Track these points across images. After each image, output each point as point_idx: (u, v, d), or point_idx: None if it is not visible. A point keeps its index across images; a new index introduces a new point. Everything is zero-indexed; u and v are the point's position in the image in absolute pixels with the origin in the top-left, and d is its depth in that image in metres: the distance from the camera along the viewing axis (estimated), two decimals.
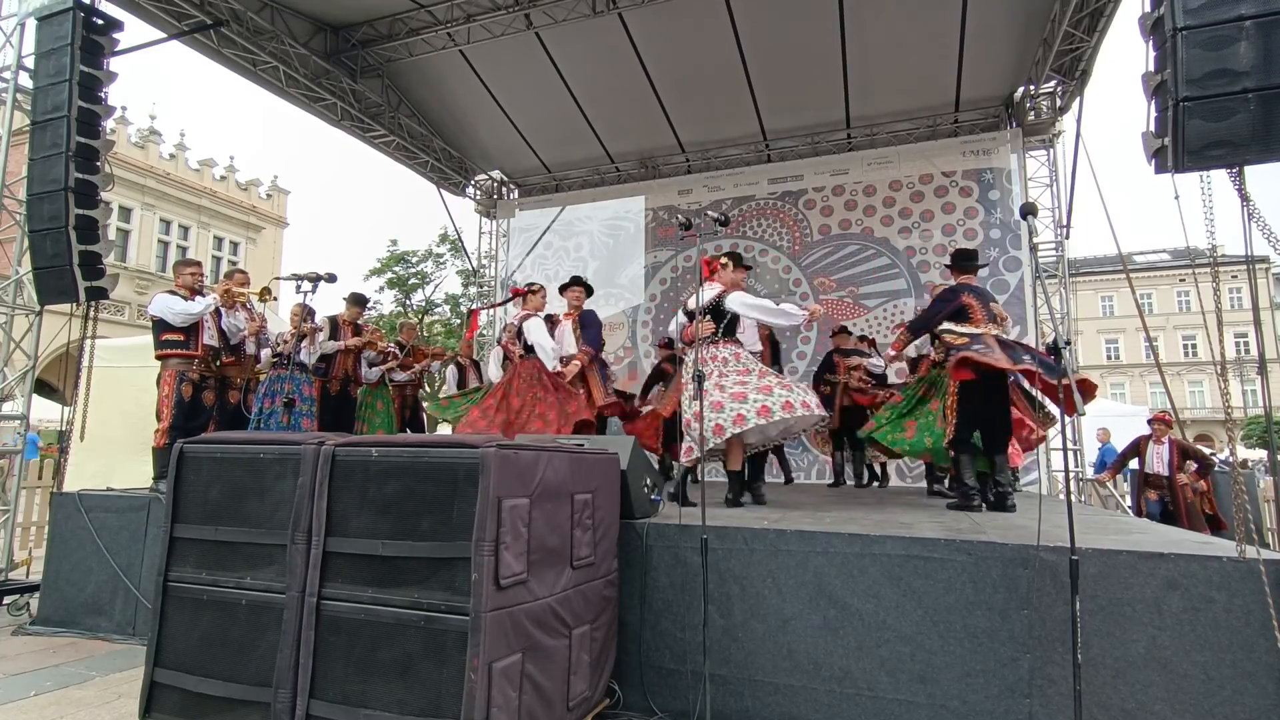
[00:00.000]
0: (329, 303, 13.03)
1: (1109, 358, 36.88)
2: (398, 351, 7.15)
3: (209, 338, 5.08)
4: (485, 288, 11.18)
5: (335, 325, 6.47)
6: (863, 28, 7.43)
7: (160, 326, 4.91)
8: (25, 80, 5.36)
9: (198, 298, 4.99)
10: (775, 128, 9.30)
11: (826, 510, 4.29)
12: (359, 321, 6.71)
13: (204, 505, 2.68)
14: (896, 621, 2.82)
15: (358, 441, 2.53)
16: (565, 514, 2.63)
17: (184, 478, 2.74)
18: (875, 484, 7.19)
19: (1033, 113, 8.22)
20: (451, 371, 7.87)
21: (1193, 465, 7.01)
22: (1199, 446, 7.72)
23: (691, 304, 4.43)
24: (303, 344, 5.70)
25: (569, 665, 2.60)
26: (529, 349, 5.09)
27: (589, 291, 5.71)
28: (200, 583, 2.62)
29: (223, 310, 5.25)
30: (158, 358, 4.96)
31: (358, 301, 6.78)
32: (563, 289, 5.69)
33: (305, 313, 4.73)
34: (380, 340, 6.82)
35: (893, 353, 5.05)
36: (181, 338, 4.89)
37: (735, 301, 4.32)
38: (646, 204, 10.19)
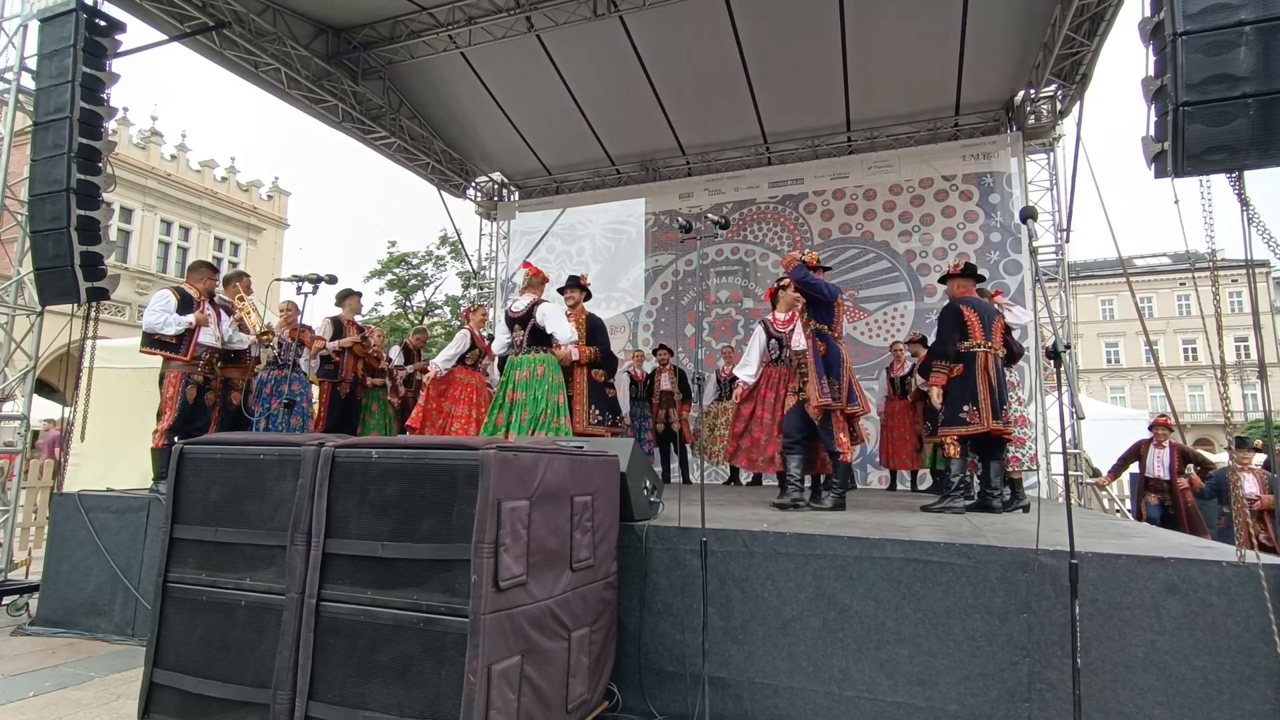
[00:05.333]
0: (328, 304, 13.00)
1: (1109, 361, 36.86)
2: (399, 366, 7.10)
3: (207, 338, 5.03)
4: (486, 289, 11.18)
5: (339, 326, 6.47)
6: (863, 31, 7.44)
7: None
8: (28, 81, 5.37)
9: (192, 315, 4.82)
10: (775, 130, 9.31)
11: (826, 513, 4.29)
12: (357, 319, 6.69)
13: (204, 506, 2.68)
14: (895, 624, 2.82)
15: (358, 443, 2.54)
16: (565, 516, 2.63)
17: (184, 478, 2.74)
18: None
19: (1033, 116, 8.22)
20: None
21: (1193, 469, 7.01)
22: (1200, 450, 7.72)
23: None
24: (302, 351, 5.69)
25: (568, 667, 2.59)
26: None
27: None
28: (200, 584, 2.62)
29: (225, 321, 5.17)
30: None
31: (351, 295, 6.73)
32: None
33: (296, 311, 4.68)
34: (382, 359, 6.80)
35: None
36: (173, 341, 4.81)
37: None
38: (647, 208, 10.21)
